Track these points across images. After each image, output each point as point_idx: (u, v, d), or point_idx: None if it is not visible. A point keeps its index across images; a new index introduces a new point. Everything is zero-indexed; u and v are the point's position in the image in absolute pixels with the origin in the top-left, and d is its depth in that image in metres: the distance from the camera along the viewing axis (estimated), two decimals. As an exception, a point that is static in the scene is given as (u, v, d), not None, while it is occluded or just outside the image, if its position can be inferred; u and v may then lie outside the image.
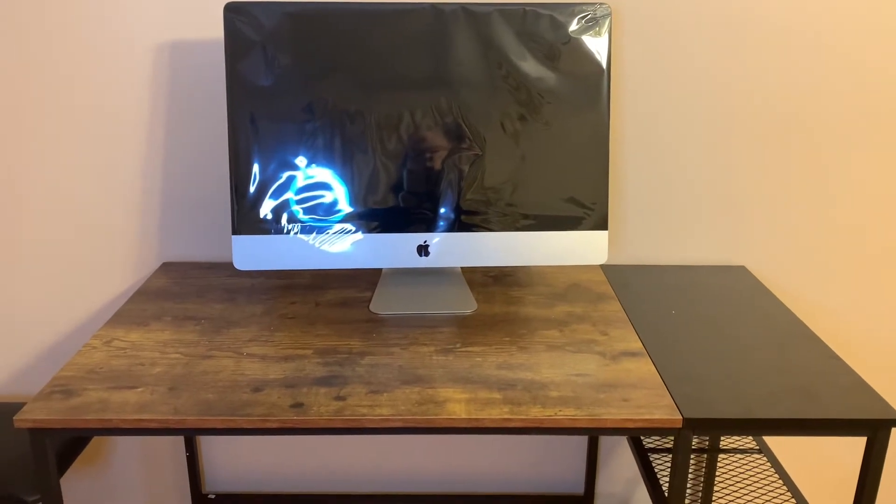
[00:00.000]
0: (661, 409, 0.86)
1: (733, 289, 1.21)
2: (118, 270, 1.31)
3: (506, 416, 0.84)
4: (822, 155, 1.27)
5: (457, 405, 0.86)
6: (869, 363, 1.38)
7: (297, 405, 0.86)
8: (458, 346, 1.00)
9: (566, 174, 1.08)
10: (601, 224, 1.09)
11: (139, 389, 0.89)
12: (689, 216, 1.31)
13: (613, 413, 0.85)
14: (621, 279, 1.25)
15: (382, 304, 1.11)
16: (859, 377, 0.94)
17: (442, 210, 1.07)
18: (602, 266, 1.30)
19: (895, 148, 1.26)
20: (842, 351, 1.37)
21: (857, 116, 1.25)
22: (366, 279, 1.23)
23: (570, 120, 1.07)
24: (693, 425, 0.85)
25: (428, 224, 1.08)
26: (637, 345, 1.01)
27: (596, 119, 1.07)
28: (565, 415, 0.84)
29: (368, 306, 1.12)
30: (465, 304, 1.11)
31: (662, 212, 1.30)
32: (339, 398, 0.87)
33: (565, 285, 1.21)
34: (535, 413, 0.85)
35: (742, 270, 1.30)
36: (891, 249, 1.32)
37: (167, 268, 1.28)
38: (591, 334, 1.04)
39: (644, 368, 0.95)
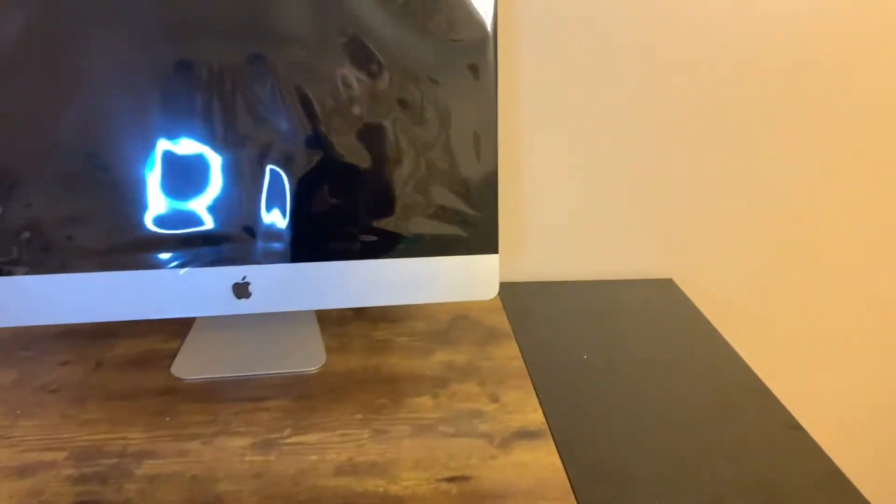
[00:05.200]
0: (566, 540, 0.59)
1: (659, 312, 0.96)
2: None
3: (335, 576, 0.55)
4: (761, 151, 1.02)
5: (264, 555, 0.57)
6: (820, 417, 1.16)
7: (10, 571, 0.55)
8: (286, 433, 0.71)
9: (440, 177, 0.78)
10: (489, 246, 0.80)
11: None
12: (603, 221, 1.04)
13: (498, 556, 0.58)
14: (521, 303, 0.97)
15: (188, 364, 0.80)
16: (830, 461, 0.70)
17: (266, 232, 0.76)
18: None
19: (833, 148, 1.02)
20: (791, 398, 1.15)
21: (795, 112, 0.99)
22: (180, 320, 0.91)
23: (445, 104, 0.77)
24: (612, 565, 0.59)
25: (247, 253, 0.76)
26: (536, 415, 0.74)
27: (480, 101, 0.78)
28: (427, 563, 0.57)
29: (170, 367, 0.81)
30: (310, 357, 0.82)
31: (571, 217, 1.03)
32: (81, 551, 0.57)
33: (448, 318, 0.93)
34: (382, 563, 0.56)
35: (669, 284, 1.05)
36: (835, 256, 1.09)
37: None
38: (476, 400, 0.76)
39: (544, 460, 0.68)
